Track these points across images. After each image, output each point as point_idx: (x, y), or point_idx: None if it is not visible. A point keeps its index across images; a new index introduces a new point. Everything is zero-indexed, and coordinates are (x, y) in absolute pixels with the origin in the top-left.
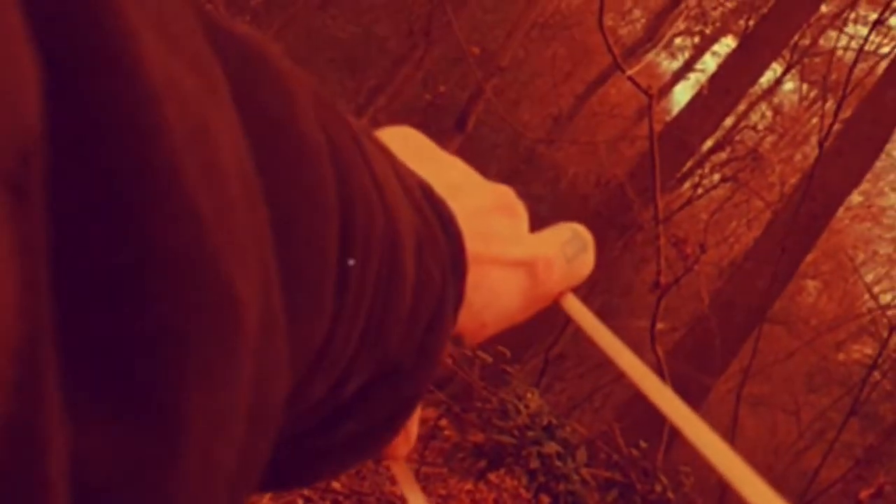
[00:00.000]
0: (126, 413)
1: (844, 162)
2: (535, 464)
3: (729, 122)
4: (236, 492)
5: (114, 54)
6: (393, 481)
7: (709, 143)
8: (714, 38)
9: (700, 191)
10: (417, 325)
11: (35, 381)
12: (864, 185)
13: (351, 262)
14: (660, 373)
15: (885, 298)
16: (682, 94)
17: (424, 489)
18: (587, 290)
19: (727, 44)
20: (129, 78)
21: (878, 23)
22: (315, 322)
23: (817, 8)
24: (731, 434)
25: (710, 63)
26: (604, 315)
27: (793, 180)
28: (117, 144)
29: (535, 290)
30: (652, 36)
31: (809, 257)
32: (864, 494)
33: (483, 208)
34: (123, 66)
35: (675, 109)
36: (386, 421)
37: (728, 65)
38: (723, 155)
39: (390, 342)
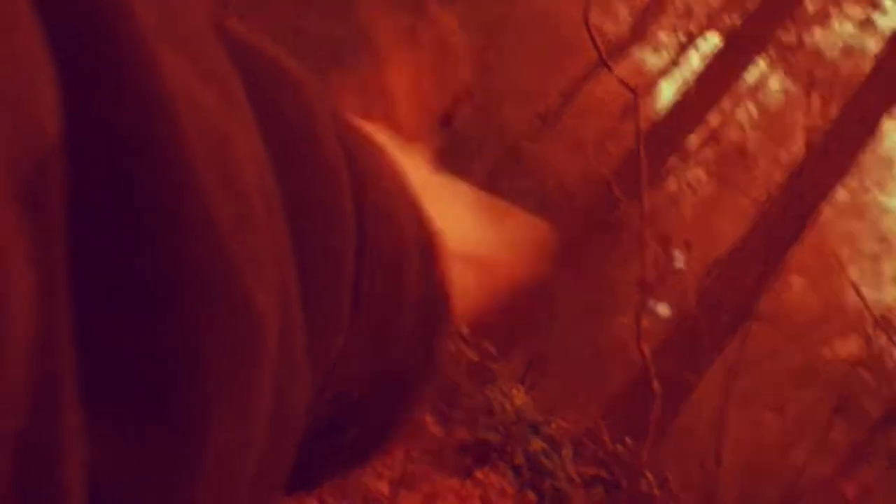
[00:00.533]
0: (145, 424)
1: (831, 160)
2: (520, 461)
3: (715, 119)
4: (257, 495)
5: (129, 65)
6: (378, 477)
7: (694, 141)
8: (700, 35)
9: (686, 188)
10: (420, 328)
11: (53, 393)
12: (851, 183)
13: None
14: (646, 370)
15: (871, 295)
16: (668, 90)
17: (410, 486)
18: (572, 286)
19: (713, 41)
20: (145, 89)
21: (865, 22)
22: (333, 334)
23: (803, 5)
24: (718, 430)
25: (695, 60)
26: (589, 312)
27: (778, 178)
28: (135, 155)
29: (493, 280)
30: (637, 33)
31: (795, 254)
32: (850, 491)
33: (442, 203)
34: (139, 76)
35: (661, 106)
36: (388, 424)
37: (714, 62)
38: (709, 152)
39: (396, 347)
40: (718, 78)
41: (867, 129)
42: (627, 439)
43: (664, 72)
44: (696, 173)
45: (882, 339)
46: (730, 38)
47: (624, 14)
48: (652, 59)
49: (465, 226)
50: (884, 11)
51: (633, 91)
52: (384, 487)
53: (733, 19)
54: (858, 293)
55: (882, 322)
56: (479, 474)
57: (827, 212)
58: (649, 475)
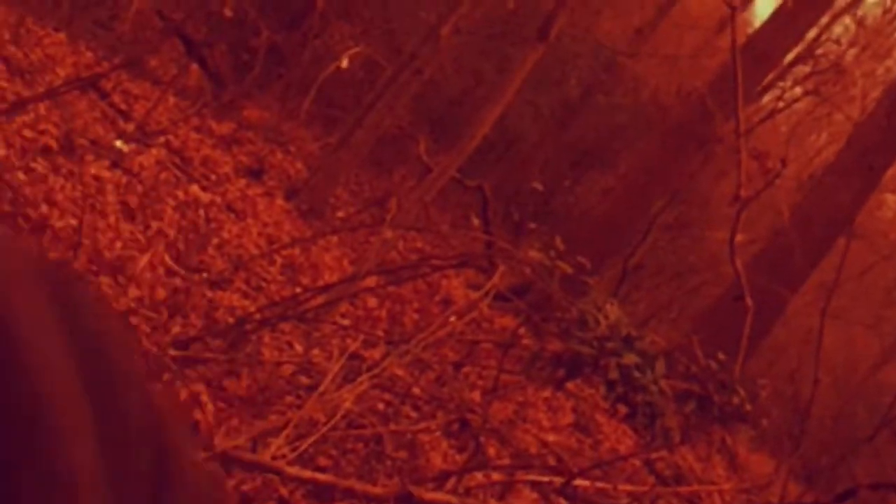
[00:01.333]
0: None
1: None
2: (613, 374)
3: (811, 34)
4: None
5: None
6: (471, 387)
7: (791, 56)
8: None
9: (781, 104)
10: None
11: None
12: None
13: None
14: (739, 285)
15: None
16: (765, 5)
17: (503, 396)
18: (667, 202)
19: None
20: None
21: None
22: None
23: None
24: (816, 348)
25: None
26: (683, 226)
27: (875, 94)
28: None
29: None
30: None
31: (890, 171)
32: None
33: None
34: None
35: (758, 21)
36: None
37: None
38: (805, 68)
39: None
40: None
41: None
42: (720, 354)
43: None
44: (792, 89)
45: None
46: None
47: None
48: None
49: None
50: None
51: (730, 5)
52: (477, 396)
53: None
54: None
55: None
56: (571, 386)
57: None
58: (741, 390)
